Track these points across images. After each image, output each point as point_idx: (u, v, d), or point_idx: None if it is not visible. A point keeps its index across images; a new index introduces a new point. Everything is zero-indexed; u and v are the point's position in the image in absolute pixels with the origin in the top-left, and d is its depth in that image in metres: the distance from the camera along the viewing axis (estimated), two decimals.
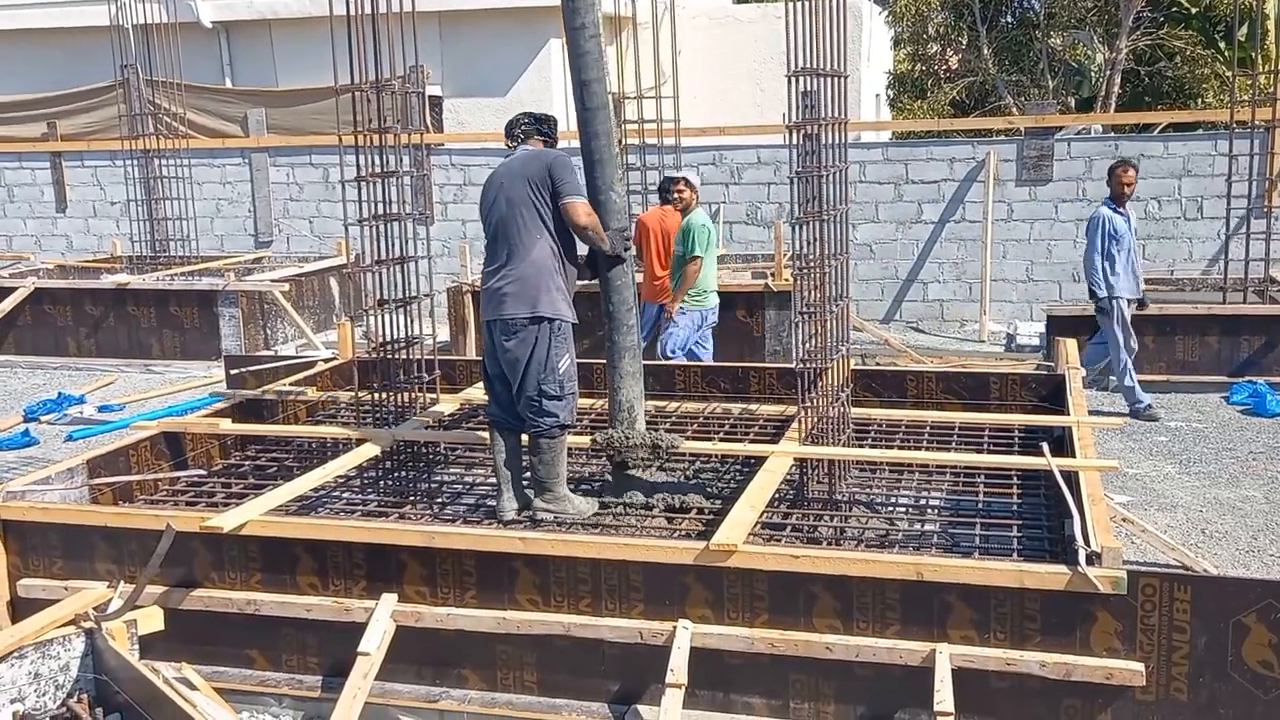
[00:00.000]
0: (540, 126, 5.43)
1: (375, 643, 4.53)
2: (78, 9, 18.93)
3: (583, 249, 5.31)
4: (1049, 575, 4.07)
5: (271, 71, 19.12)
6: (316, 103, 16.62)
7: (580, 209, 5.08)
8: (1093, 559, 4.06)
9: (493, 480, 5.93)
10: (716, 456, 6.06)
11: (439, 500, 5.68)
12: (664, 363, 8.44)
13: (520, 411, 5.23)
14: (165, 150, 13.86)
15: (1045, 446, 5.47)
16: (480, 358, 9.46)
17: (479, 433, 6.50)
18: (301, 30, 18.22)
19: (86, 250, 16.49)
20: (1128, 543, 5.98)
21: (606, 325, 5.35)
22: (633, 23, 15.38)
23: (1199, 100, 21.86)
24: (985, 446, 6.17)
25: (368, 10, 5.76)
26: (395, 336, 6.07)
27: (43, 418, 9.93)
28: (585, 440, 5.74)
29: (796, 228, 5.28)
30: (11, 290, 12.35)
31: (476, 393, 6.95)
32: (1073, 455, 5.35)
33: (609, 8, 10.65)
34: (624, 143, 12.55)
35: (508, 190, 5.17)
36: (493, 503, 5.50)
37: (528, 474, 5.34)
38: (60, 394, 10.44)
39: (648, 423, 6.40)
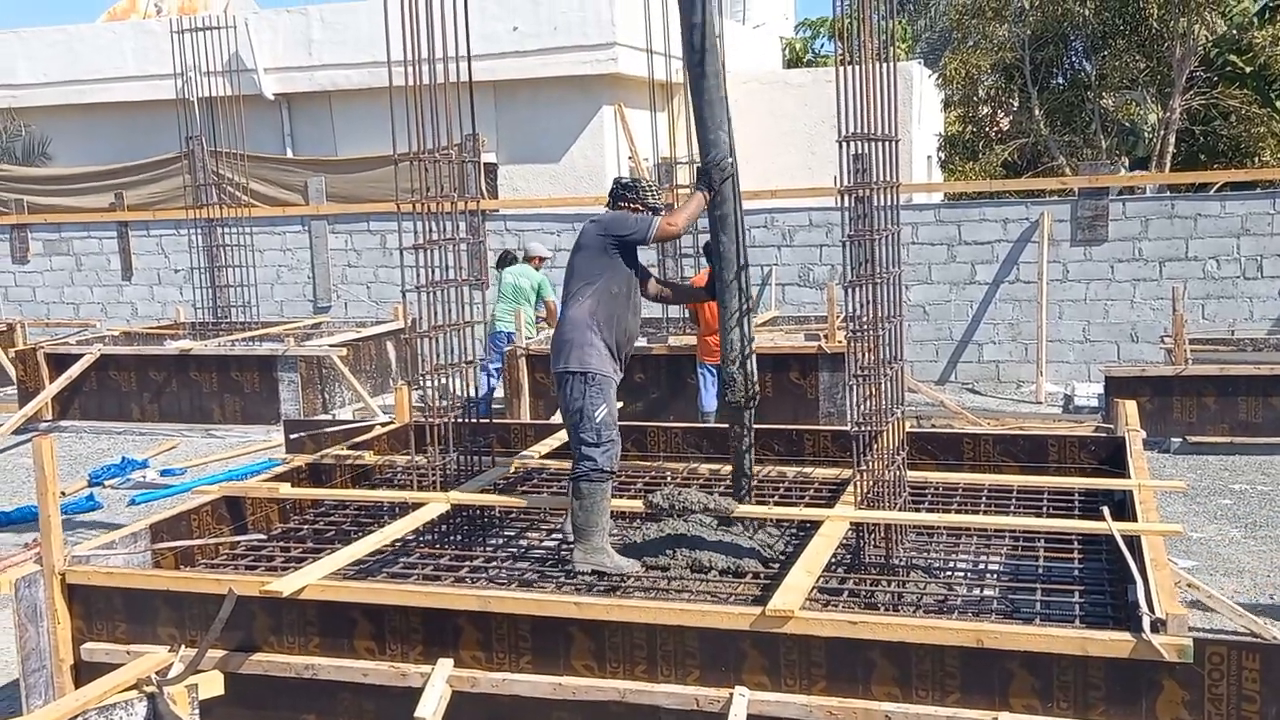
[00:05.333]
0: (625, 193, 5.65)
1: (432, 708, 4.53)
2: (144, 84, 19.55)
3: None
4: (1113, 643, 3.99)
5: (331, 141, 19.57)
6: (374, 171, 16.96)
7: (667, 229, 5.45)
8: (1158, 626, 3.98)
9: (548, 544, 6.00)
10: (771, 520, 6.03)
11: (494, 564, 5.69)
12: (718, 426, 8.43)
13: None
14: (228, 219, 14.20)
15: (1106, 510, 5.39)
16: (533, 421, 9.50)
17: (535, 496, 6.53)
18: (360, 101, 18.67)
19: (151, 317, 16.86)
20: (1193, 609, 5.85)
21: (717, 263, 5.65)
22: (684, 88, 15.58)
23: (1255, 159, 21.67)
24: (1044, 510, 6.08)
25: (425, 81, 5.90)
26: (450, 400, 6.13)
27: (107, 482, 10.11)
28: (639, 504, 5.75)
29: (850, 290, 5.29)
30: (78, 357, 12.63)
31: (531, 455, 6.99)
32: (1135, 519, 5.27)
33: (660, 75, 10.82)
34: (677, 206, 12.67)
35: (571, 255, 5.58)
36: (546, 568, 5.57)
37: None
38: (124, 458, 10.63)
39: (701, 486, 6.41)
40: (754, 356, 5.77)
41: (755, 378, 5.77)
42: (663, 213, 5.53)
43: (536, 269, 12.16)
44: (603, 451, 5.34)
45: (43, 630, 5.06)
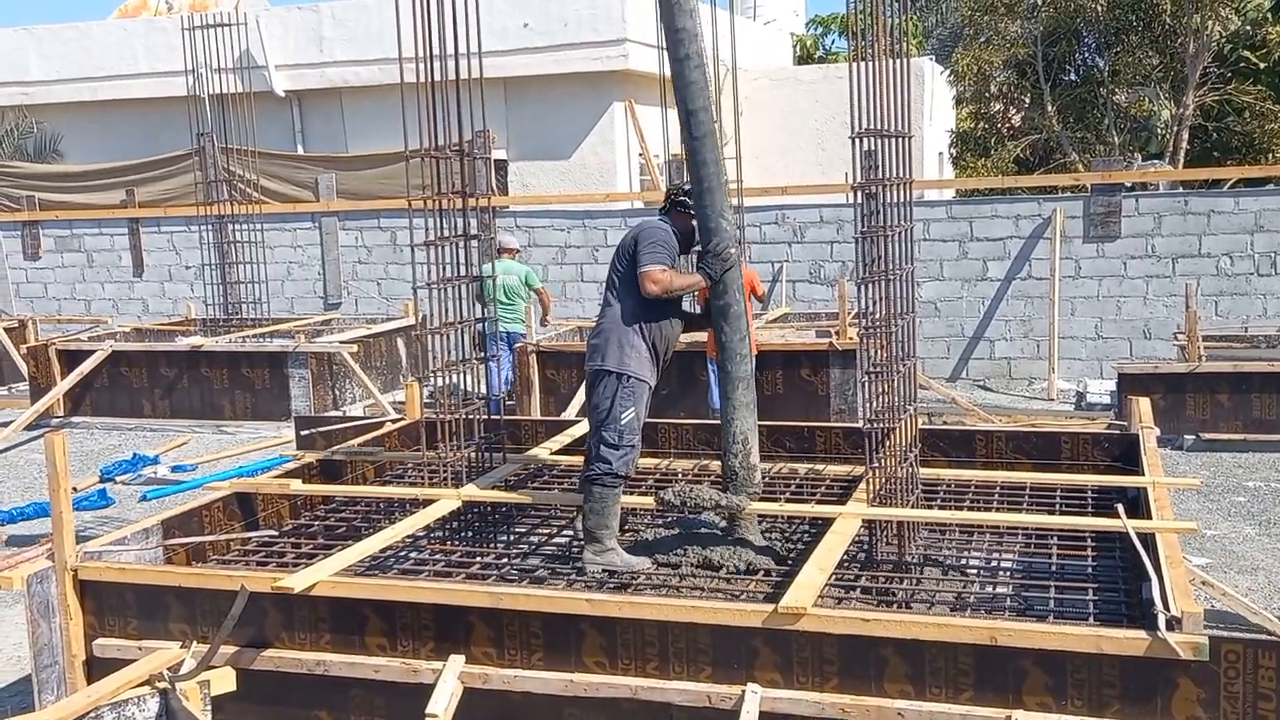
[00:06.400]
0: (686, 199, 5.56)
1: (443, 705, 4.52)
2: (156, 81, 19.60)
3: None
4: (1127, 640, 3.97)
5: (342, 138, 19.60)
6: (385, 167, 16.97)
7: (646, 280, 5.26)
8: (1173, 624, 3.96)
9: (559, 540, 6.00)
10: (783, 517, 6.01)
11: (506, 560, 5.68)
12: None
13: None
14: (238, 215, 14.21)
15: (1120, 508, 5.36)
16: (544, 417, 9.49)
17: (546, 492, 6.52)
18: (371, 98, 18.68)
19: (162, 313, 16.89)
20: (1208, 607, 5.82)
21: (720, 354, 5.47)
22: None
23: (1269, 155, 21.57)
24: (1057, 507, 6.06)
25: (436, 78, 5.89)
26: (461, 397, 6.12)
27: (118, 478, 10.13)
28: (650, 501, 5.74)
29: (862, 287, 5.27)
30: (89, 353, 12.66)
31: (542, 452, 6.98)
32: (1149, 516, 5.24)
33: (669, 72, 10.86)
34: None
35: (614, 255, 5.49)
36: (557, 564, 5.56)
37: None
38: (135, 455, 10.65)
39: (713, 483, 6.38)
40: (757, 450, 5.50)
41: (759, 474, 5.53)
42: (660, 267, 5.29)
43: (513, 257, 12.01)
44: (620, 455, 5.30)
45: (55, 626, 5.07)
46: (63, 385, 12.50)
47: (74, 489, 8.29)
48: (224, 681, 4.72)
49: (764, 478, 5.56)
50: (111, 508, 9.26)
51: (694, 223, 5.51)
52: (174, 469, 10.41)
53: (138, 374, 12.70)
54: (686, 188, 5.64)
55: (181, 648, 4.93)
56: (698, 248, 5.48)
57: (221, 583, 4.95)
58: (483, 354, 6.41)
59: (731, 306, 5.40)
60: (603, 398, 5.32)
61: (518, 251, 12.34)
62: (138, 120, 20.28)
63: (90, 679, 4.99)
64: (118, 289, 17.67)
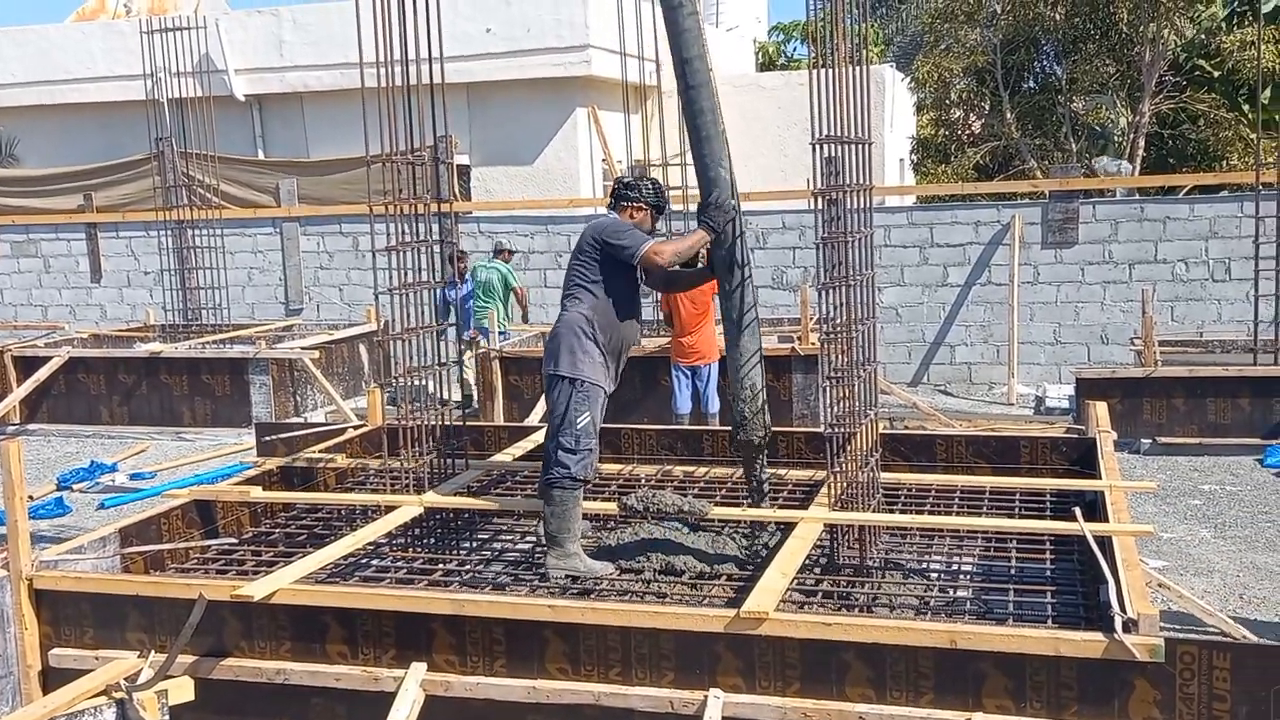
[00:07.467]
0: (628, 193, 5.56)
1: (405, 713, 4.50)
2: (114, 84, 19.40)
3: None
4: (1085, 643, 4.01)
5: (303, 142, 19.48)
6: (346, 172, 16.88)
7: (652, 258, 5.28)
8: (1129, 626, 4.00)
9: (521, 546, 5.99)
10: (746, 522, 6.03)
11: (468, 567, 5.67)
12: (691, 428, 8.44)
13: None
14: (198, 221, 14.08)
15: (1078, 511, 5.42)
16: (507, 423, 9.47)
17: (509, 498, 6.51)
18: (332, 102, 18.58)
19: (120, 319, 16.70)
20: (1164, 609, 5.89)
21: (724, 303, 5.53)
22: (658, 91, 15.60)
23: (1223, 163, 21.87)
24: (1016, 511, 6.11)
25: (398, 83, 5.87)
26: (423, 403, 6.10)
27: (75, 486, 10.00)
28: (613, 507, 5.74)
29: (823, 293, 5.30)
30: (46, 360, 12.50)
31: (505, 458, 6.96)
32: (1106, 520, 5.30)
33: (634, 78, 11.00)
34: None
35: (570, 258, 5.50)
36: (520, 570, 5.55)
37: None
38: (93, 462, 10.53)
39: (675, 488, 6.40)
40: (764, 395, 5.61)
41: (769, 420, 5.64)
42: (655, 239, 5.36)
43: (506, 262, 13.05)
44: (578, 460, 5.27)
45: (10, 636, 5.00)
46: (19, 392, 12.34)
47: (30, 497, 8.17)
48: (182, 691, 4.68)
49: (769, 429, 5.61)
50: (69, 516, 9.15)
51: (640, 214, 5.52)
52: (132, 477, 10.30)
53: (95, 380, 12.56)
54: (627, 180, 5.65)
55: (139, 657, 4.88)
56: (661, 237, 5.49)
57: (180, 591, 4.90)
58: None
59: (734, 256, 5.42)
60: (558, 403, 5.32)
61: (513, 254, 13.59)
62: (96, 124, 20.06)
63: (46, 689, 4.93)
64: (75, 294, 17.47)
